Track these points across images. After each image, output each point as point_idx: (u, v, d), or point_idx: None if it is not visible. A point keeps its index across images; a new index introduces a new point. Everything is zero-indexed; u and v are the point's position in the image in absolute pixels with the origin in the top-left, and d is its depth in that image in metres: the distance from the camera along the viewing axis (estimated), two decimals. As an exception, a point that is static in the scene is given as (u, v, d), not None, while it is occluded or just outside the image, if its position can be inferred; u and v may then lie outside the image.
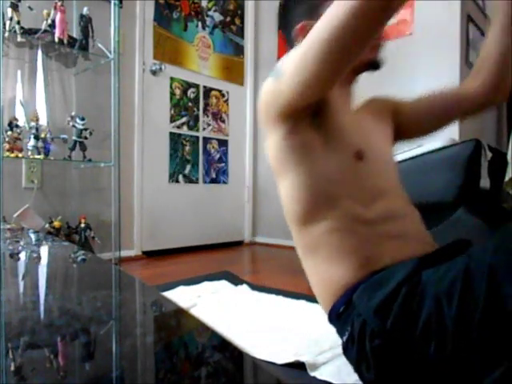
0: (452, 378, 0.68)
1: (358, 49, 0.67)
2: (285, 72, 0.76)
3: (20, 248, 0.89)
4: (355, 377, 0.80)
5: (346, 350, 0.79)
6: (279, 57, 3.16)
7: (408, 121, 0.99)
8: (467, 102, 0.96)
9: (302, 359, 0.88)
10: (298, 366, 0.88)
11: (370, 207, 0.81)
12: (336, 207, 0.81)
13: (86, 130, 2.12)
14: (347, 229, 0.80)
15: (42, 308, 0.46)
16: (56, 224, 2.08)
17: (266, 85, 0.82)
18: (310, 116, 0.82)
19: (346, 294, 0.79)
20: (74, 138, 2.11)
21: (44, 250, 0.89)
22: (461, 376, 0.67)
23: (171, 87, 2.84)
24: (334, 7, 0.65)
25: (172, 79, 2.84)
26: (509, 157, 2.05)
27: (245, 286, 1.65)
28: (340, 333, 0.81)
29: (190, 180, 2.95)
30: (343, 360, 0.84)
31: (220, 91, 3.16)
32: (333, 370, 0.85)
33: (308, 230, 0.84)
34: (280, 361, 0.89)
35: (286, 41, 0.96)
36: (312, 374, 0.84)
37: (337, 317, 0.81)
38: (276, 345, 0.98)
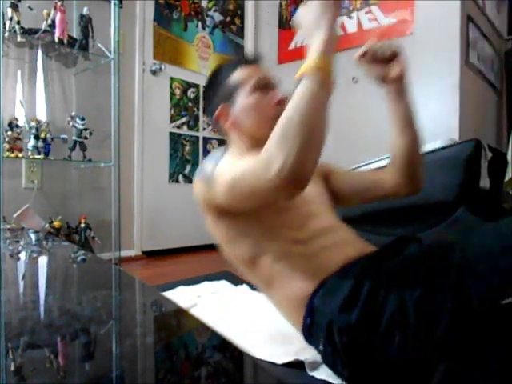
0: (416, 376, 0.70)
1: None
2: (216, 182, 0.84)
3: (20, 248, 0.89)
4: None
5: (325, 357, 0.81)
6: (279, 57, 3.16)
7: (335, 190, 1.10)
8: (382, 191, 1.08)
9: (302, 358, 0.88)
10: (298, 366, 0.87)
11: (302, 229, 0.91)
12: (274, 238, 0.90)
13: (86, 129, 2.12)
14: (289, 252, 0.89)
15: (42, 308, 0.45)
16: (56, 224, 2.07)
17: (196, 184, 0.92)
18: None
19: (308, 306, 0.83)
20: (74, 138, 2.11)
21: (44, 250, 0.89)
22: (426, 375, 0.69)
23: (171, 87, 2.84)
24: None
25: (172, 79, 2.84)
26: (509, 157, 2.05)
27: (245, 286, 1.65)
28: (316, 345, 0.82)
29: (190, 180, 2.94)
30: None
31: (220, 91, 3.16)
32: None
33: (258, 266, 0.91)
34: (280, 360, 0.89)
35: (210, 124, 1.10)
36: (311, 373, 0.84)
37: (308, 331, 0.82)
38: (276, 345, 0.98)
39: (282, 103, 0.95)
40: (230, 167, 0.83)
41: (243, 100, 0.98)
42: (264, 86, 0.98)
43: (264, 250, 0.90)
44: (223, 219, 0.93)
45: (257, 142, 0.91)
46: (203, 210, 0.95)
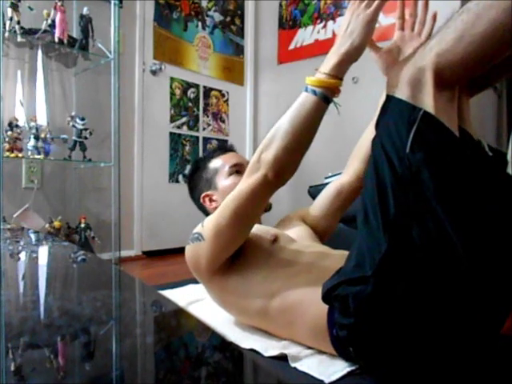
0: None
1: (256, 211, 0.92)
2: (205, 237, 0.94)
3: (20, 248, 0.89)
4: (333, 368, 0.81)
5: (357, 356, 0.80)
6: (279, 57, 3.16)
7: (314, 222, 1.21)
8: (345, 192, 1.16)
9: (286, 351, 0.89)
10: (282, 359, 0.88)
11: (297, 262, 0.96)
12: (274, 281, 0.94)
13: (86, 130, 2.12)
14: (294, 284, 0.91)
15: (42, 308, 0.45)
16: (56, 224, 2.07)
17: (188, 250, 1.00)
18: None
19: (328, 317, 0.81)
20: (74, 138, 2.11)
21: (44, 250, 0.89)
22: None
23: (171, 87, 2.84)
24: (236, 190, 0.88)
25: (172, 79, 2.84)
26: (509, 157, 2.05)
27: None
28: (347, 351, 0.80)
29: (190, 180, 2.95)
30: (326, 355, 0.87)
31: (220, 91, 3.16)
32: (314, 362, 0.85)
33: (273, 312, 0.93)
34: (266, 353, 0.90)
35: (197, 206, 1.25)
36: (293, 365, 0.85)
37: (337, 340, 0.81)
38: (263, 339, 0.98)
39: None
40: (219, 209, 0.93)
41: (221, 184, 1.17)
42: (237, 170, 1.17)
43: (270, 294, 0.93)
44: (218, 282, 0.99)
45: None
46: (198, 274, 1.03)
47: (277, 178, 0.82)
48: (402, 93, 0.72)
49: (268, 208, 1.17)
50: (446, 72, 0.70)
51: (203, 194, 1.20)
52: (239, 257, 0.99)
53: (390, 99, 0.75)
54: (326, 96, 0.80)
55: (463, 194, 0.68)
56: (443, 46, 0.69)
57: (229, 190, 1.07)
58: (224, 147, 1.27)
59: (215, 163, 1.20)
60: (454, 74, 0.70)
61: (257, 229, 1.03)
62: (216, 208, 1.09)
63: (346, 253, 0.97)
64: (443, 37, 0.70)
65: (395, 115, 0.73)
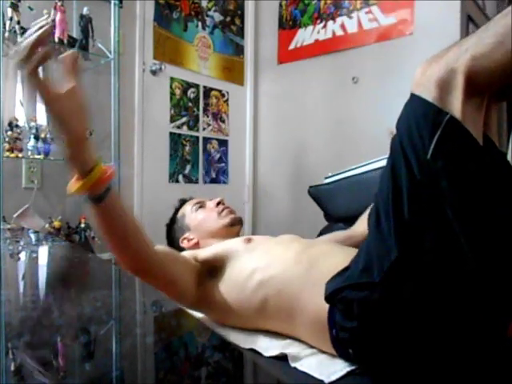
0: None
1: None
2: None
3: (20, 248, 0.89)
4: (333, 368, 0.81)
5: (356, 357, 0.80)
6: (279, 57, 3.16)
7: None
8: (356, 238, 1.18)
9: (286, 351, 0.89)
10: (282, 359, 0.88)
11: (289, 249, 0.98)
12: (268, 271, 0.94)
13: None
14: (290, 276, 0.91)
15: (41, 308, 0.46)
16: (56, 224, 2.07)
17: None
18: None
19: (329, 313, 0.81)
20: (74, 138, 2.11)
21: (44, 250, 0.89)
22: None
23: (171, 87, 2.83)
24: None
25: (172, 79, 2.84)
26: (509, 157, 2.05)
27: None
28: (347, 352, 0.80)
29: (189, 180, 2.94)
30: (326, 355, 0.86)
31: (220, 91, 3.16)
32: (314, 362, 0.85)
33: (270, 307, 0.93)
34: (266, 353, 0.90)
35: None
36: (293, 365, 0.85)
37: (337, 339, 0.81)
38: (263, 339, 0.98)
39: (220, 202, 1.26)
40: None
41: (191, 222, 1.27)
42: (200, 206, 1.29)
43: (266, 288, 0.93)
44: (209, 303, 1.01)
45: (212, 236, 1.20)
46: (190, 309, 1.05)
47: (136, 273, 0.82)
48: (429, 93, 0.68)
49: (237, 222, 1.25)
50: (480, 78, 0.65)
51: (181, 239, 1.27)
52: (219, 271, 1.01)
53: (414, 98, 0.70)
54: (95, 197, 0.78)
55: (479, 203, 0.66)
56: (480, 50, 0.64)
57: (198, 223, 1.24)
58: (183, 200, 1.40)
59: (181, 212, 1.34)
60: (487, 80, 0.66)
61: (226, 243, 1.08)
62: (195, 244, 1.22)
63: (329, 244, 1.00)
64: (482, 39, 0.65)
65: (419, 116, 0.69)
